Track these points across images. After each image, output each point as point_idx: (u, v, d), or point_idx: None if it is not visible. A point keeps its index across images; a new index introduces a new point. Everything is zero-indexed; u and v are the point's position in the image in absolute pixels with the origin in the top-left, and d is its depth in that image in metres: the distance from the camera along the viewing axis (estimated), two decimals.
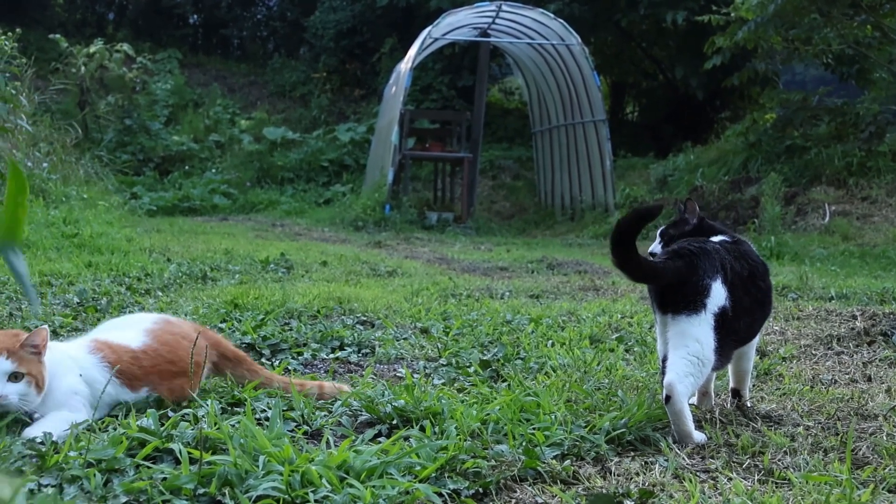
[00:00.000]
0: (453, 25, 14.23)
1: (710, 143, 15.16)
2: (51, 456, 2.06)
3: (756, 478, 2.17)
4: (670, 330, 2.53)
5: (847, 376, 3.30)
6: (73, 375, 2.46)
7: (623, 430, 2.45)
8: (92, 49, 16.92)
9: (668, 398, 2.42)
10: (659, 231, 3.08)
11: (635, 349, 3.80)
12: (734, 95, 18.07)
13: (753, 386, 3.11)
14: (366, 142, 17.78)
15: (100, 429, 2.39)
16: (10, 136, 8.86)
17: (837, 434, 2.51)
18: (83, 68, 16.59)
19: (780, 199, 10.54)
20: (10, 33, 9.75)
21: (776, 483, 2.12)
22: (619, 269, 2.56)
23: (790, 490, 2.06)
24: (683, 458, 2.31)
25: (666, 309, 2.55)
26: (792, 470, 2.20)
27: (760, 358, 3.55)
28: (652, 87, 21.63)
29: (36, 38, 19.07)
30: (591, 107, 14.13)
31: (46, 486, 1.93)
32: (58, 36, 16.88)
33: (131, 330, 2.73)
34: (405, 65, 14.01)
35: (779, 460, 2.29)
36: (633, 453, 2.38)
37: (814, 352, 3.76)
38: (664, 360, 2.54)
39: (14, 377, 2.29)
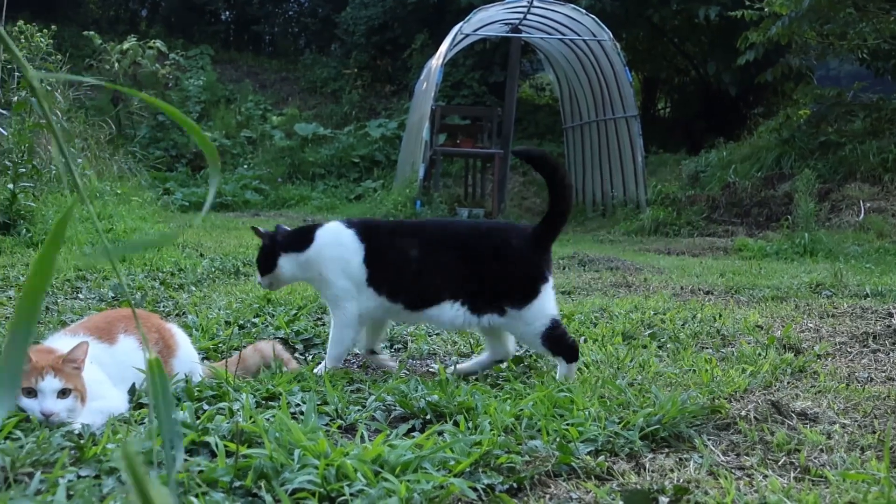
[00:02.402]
0: (484, 21, 14.20)
1: (743, 139, 15.04)
2: (89, 448, 2.09)
3: (792, 475, 2.15)
4: None
5: (883, 374, 3.27)
6: (88, 364, 2.48)
7: (657, 426, 2.44)
8: (125, 46, 17.04)
9: None
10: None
11: (668, 346, 3.78)
12: (767, 91, 17.93)
13: (788, 384, 3.09)
14: (397, 138, 17.80)
15: (136, 421, 2.42)
16: (46, 131, 8.94)
17: (874, 432, 2.49)
18: (117, 65, 16.71)
19: (813, 196, 10.44)
20: (45, 30, 9.83)
21: (813, 481, 2.11)
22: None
23: (827, 488, 2.05)
24: (718, 455, 2.30)
25: None
26: (828, 468, 2.18)
27: (795, 355, 3.53)
28: (684, 83, 21.49)
29: (70, 35, 19.23)
30: (622, 103, 14.06)
31: (85, 477, 1.95)
32: (92, 33, 17.01)
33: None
34: (436, 61, 14.00)
35: (815, 458, 2.27)
36: (667, 450, 2.37)
37: (849, 349, 3.73)
38: None
39: (62, 393, 2.32)
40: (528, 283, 3.11)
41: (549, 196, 3.20)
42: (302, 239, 3.27)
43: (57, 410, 2.28)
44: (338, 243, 3.22)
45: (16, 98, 8.16)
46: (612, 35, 13.70)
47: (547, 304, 3.12)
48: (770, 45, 12.79)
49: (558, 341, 3.10)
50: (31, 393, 2.31)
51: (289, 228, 3.39)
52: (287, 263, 3.27)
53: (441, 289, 3.15)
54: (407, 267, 3.17)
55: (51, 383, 2.29)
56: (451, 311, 3.14)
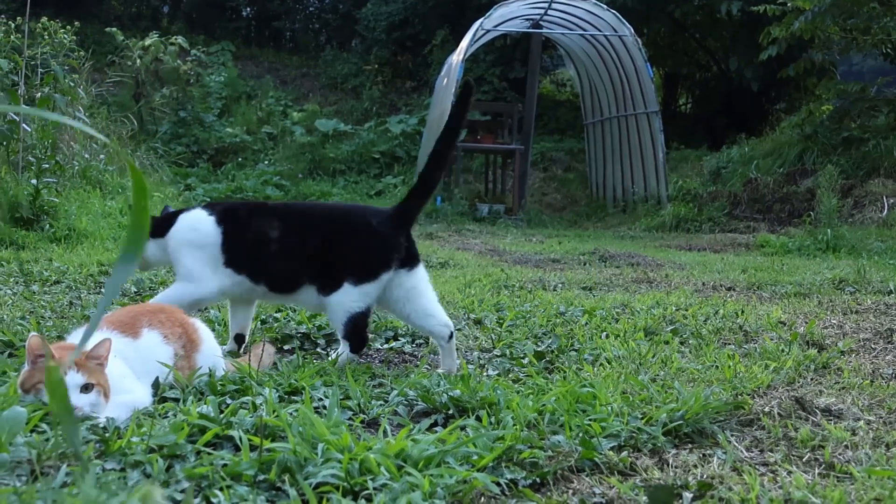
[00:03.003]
0: (505, 17, 14.19)
1: (765, 134, 14.95)
2: (114, 441, 2.10)
3: (817, 472, 2.14)
4: None
5: None
6: (111, 358, 2.49)
7: (680, 422, 2.43)
8: (147, 42, 17.10)
9: None
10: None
11: (690, 341, 3.77)
12: (790, 87, 17.81)
13: (812, 380, 3.08)
14: (417, 133, 17.81)
15: (160, 415, 2.43)
16: (69, 128, 8.99)
17: None
18: (138, 61, 16.78)
19: (836, 192, 10.37)
20: (68, 27, 9.89)
21: (838, 477, 2.10)
22: None
23: (852, 484, 2.04)
24: (742, 451, 2.29)
25: None
26: (854, 464, 2.17)
27: (818, 351, 3.51)
28: (705, 79, 21.38)
29: (93, 32, 19.33)
30: (643, 98, 14.01)
31: (110, 470, 1.97)
32: (114, 29, 17.08)
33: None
34: (457, 56, 13.99)
35: (840, 454, 2.26)
36: (690, 445, 2.36)
37: (873, 346, 3.71)
38: None
39: (85, 388, 2.34)
40: (373, 263, 3.16)
41: (426, 169, 3.27)
42: (165, 224, 3.38)
43: (80, 405, 2.30)
44: (193, 229, 3.32)
45: (39, 94, 8.21)
46: (633, 30, 13.66)
47: (371, 290, 3.15)
48: (793, 40, 12.70)
49: (358, 329, 3.17)
50: None
51: (172, 210, 3.51)
52: (152, 247, 3.38)
53: (300, 270, 3.21)
54: (266, 248, 3.23)
55: (73, 378, 2.31)
56: (309, 291, 3.22)
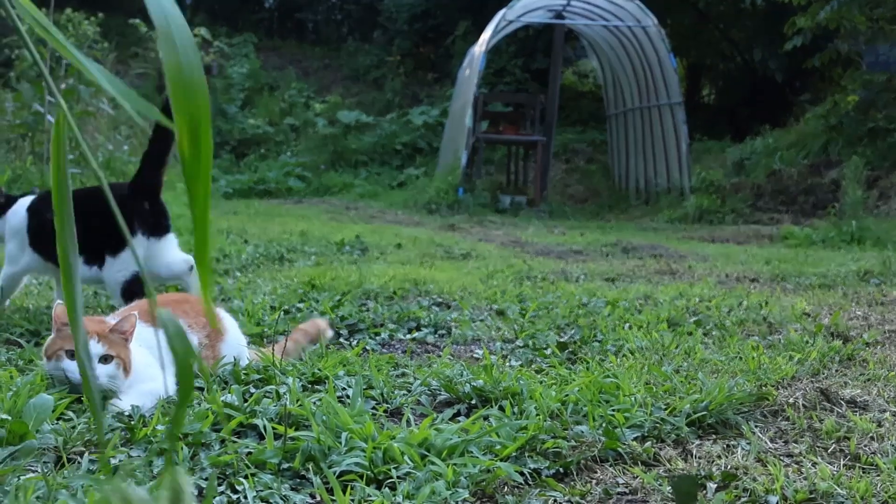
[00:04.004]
0: (527, 8, 14.14)
1: (789, 126, 14.85)
2: (139, 429, 2.12)
3: (842, 463, 2.13)
4: None
5: None
6: (137, 347, 2.52)
7: (704, 413, 2.42)
8: None
9: None
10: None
11: (713, 333, 3.75)
12: (814, 77, 17.68)
13: (837, 371, 3.06)
14: (439, 125, 17.79)
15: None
16: (94, 119, 9.05)
17: None
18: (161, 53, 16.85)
19: (861, 183, 10.30)
20: (92, 18, 9.95)
21: (863, 469, 2.09)
22: None
23: (878, 476, 2.03)
24: (766, 442, 2.28)
25: None
26: (879, 456, 2.16)
27: (843, 343, 3.48)
28: (729, 70, 21.25)
29: (116, 24, 19.39)
30: (666, 89, 13.94)
31: (135, 457, 1.98)
32: (137, 21, 17.14)
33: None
34: (479, 48, 13.97)
35: (865, 446, 2.25)
36: (714, 436, 2.36)
37: None
38: None
39: (104, 359, 2.36)
40: (119, 234, 3.30)
41: (150, 146, 3.63)
42: (6, 205, 3.73)
43: (97, 374, 2.32)
44: (15, 213, 3.68)
45: (63, 85, 8.26)
46: (656, 21, 13.59)
47: (128, 256, 3.45)
48: (818, 29, 12.59)
49: (136, 294, 3.42)
50: (72, 356, 2.35)
51: (38, 191, 3.92)
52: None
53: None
54: (51, 231, 3.36)
55: (94, 348, 2.33)
56: (84, 268, 3.47)
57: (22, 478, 1.77)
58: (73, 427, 2.12)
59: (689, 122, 13.81)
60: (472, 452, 2.06)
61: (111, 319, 2.63)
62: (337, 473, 1.91)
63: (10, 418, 2.06)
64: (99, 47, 10.05)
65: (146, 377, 2.48)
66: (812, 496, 1.91)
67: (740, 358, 3.17)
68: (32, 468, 1.89)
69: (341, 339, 3.60)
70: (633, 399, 2.51)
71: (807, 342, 3.46)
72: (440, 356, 3.26)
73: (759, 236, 9.75)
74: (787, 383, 2.86)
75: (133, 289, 3.45)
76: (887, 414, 2.51)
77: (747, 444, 2.25)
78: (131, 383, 2.45)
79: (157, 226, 3.51)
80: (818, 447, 2.25)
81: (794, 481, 1.99)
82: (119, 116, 10.73)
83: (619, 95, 15.78)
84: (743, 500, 1.91)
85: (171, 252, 3.58)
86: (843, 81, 14.26)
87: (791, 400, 2.62)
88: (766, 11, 16.89)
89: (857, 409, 2.59)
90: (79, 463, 1.93)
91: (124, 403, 2.32)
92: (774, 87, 18.22)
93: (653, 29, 13.62)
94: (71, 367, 2.36)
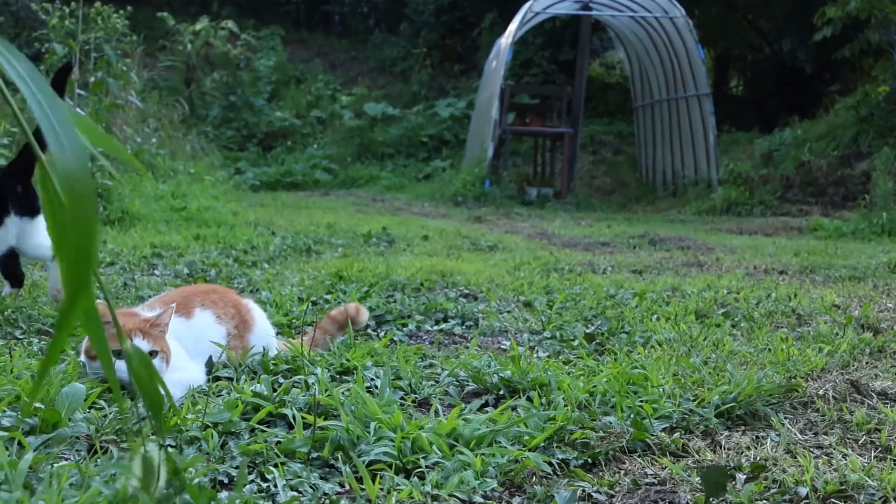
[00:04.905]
0: None
1: (819, 117, 14.73)
2: (170, 418, 2.13)
3: (873, 455, 2.12)
4: None
5: None
6: (168, 338, 2.53)
7: (732, 404, 2.41)
8: (198, 27, 17.26)
9: None
10: None
11: (742, 325, 3.73)
12: (845, 68, 17.51)
13: (867, 363, 3.04)
14: (465, 117, 17.79)
15: (214, 393, 2.46)
16: (122, 111, 9.10)
17: None
18: (189, 45, 16.95)
19: (892, 175, 10.19)
20: (121, 11, 10.01)
21: (894, 460, 2.07)
22: None
23: None
24: (795, 434, 2.27)
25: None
26: None
27: (874, 335, 3.46)
28: (757, 60, 21.10)
29: (144, 17, 19.51)
30: (694, 80, 13.87)
31: (166, 446, 2.00)
32: (165, 14, 17.26)
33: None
34: (505, 39, 13.94)
35: None
36: (742, 427, 2.35)
37: None
38: None
39: (151, 355, 2.37)
40: None
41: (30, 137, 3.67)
42: None
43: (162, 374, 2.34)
44: None
45: (92, 79, 8.32)
46: (684, 11, 13.51)
47: (6, 235, 3.57)
48: (848, 20, 12.48)
49: (7, 269, 3.72)
50: (119, 355, 2.36)
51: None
52: None
53: None
54: None
55: (140, 345, 2.34)
56: None
57: (55, 465, 1.79)
58: (105, 416, 2.14)
59: (717, 114, 13.74)
60: (500, 443, 2.06)
61: (142, 311, 2.65)
62: (366, 462, 1.92)
63: (43, 407, 2.08)
64: (128, 40, 10.11)
65: (176, 367, 2.50)
66: (842, 488, 1.90)
67: (769, 350, 3.15)
68: (65, 456, 1.91)
69: (369, 330, 3.61)
70: (661, 390, 2.50)
71: (836, 334, 3.44)
72: (468, 347, 3.26)
73: (788, 228, 9.69)
74: (816, 375, 2.84)
75: (5, 263, 3.68)
76: None
77: (777, 435, 2.24)
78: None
79: (29, 207, 3.63)
80: (848, 439, 2.24)
81: (824, 473, 1.97)
82: (147, 109, 10.80)
83: (646, 87, 15.71)
84: (772, 491, 1.90)
85: (41, 234, 3.69)
86: (873, 72, 14.11)
87: (821, 392, 2.61)
88: (794, 1, 16.75)
89: (888, 402, 2.57)
90: (111, 451, 1.95)
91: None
92: (803, 77, 18.08)
93: (680, 19, 13.55)
94: (119, 367, 2.36)
